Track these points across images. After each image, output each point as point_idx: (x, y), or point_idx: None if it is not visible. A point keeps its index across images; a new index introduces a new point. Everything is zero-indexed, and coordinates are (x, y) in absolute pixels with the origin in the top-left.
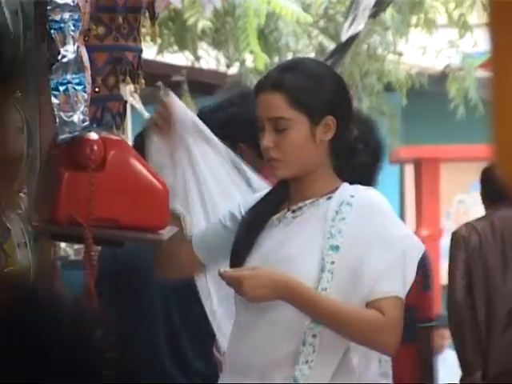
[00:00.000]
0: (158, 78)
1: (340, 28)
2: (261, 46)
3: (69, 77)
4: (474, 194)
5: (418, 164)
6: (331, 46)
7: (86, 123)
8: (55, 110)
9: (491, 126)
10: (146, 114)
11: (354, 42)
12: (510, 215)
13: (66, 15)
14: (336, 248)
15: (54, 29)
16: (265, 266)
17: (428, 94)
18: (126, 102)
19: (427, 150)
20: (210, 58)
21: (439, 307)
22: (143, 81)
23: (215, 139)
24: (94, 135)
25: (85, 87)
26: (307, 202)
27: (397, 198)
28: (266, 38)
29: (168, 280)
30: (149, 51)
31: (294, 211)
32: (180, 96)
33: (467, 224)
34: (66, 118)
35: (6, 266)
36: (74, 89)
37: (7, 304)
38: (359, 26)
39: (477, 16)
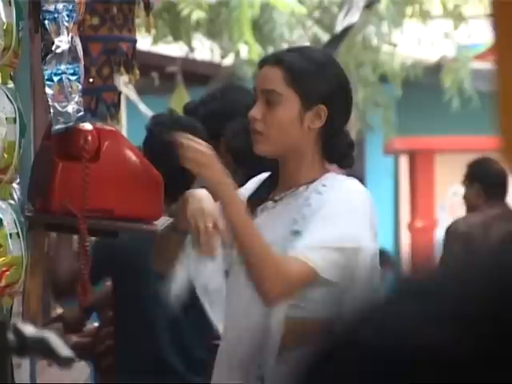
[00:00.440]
0: (152, 68)
1: (335, 19)
2: (255, 36)
3: (63, 67)
4: None
5: (412, 155)
6: (326, 36)
7: (81, 113)
8: (49, 100)
9: (495, 117)
10: (141, 105)
11: (349, 33)
12: (504, 213)
13: (60, 5)
14: (297, 233)
15: (48, 19)
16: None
17: (423, 85)
18: (120, 92)
19: (422, 141)
20: (204, 49)
21: None
22: (137, 71)
23: None
24: (88, 125)
25: (79, 77)
26: (288, 191)
27: (391, 189)
28: (261, 28)
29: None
30: (143, 42)
31: (275, 201)
32: (174, 87)
33: (461, 218)
34: (60, 109)
35: None
36: (69, 79)
37: None
38: (354, 17)
39: (472, 7)
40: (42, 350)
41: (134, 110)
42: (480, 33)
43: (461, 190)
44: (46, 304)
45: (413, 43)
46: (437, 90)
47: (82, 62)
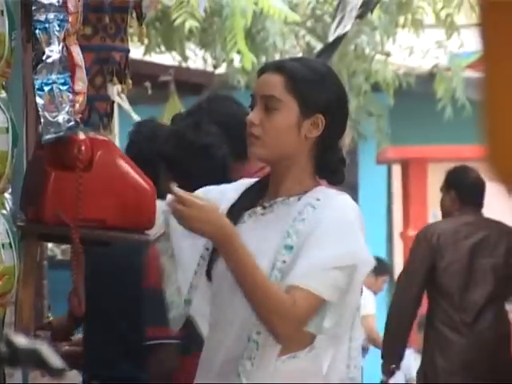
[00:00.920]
0: (145, 77)
1: (327, 28)
2: (248, 45)
3: (54, 77)
4: None
5: (405, 164)
6: (318, 46)
7: (71, 123)
8: (40, 110)
9: (483, 125)
10: (134, 115)
11: (342, 43)
12: (476, 219)
13: (51, 15)
14: (290, 248)
15: (39, 29)
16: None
17: (415, 94)
18: (113, 102)
19: (415, 150)
20: (197, 58)
21: None
22: (130, 81)
23: None
24: (81, 135)
25: (70, 87)
26: (278, 199)
27: (384, 198)
28: (254, 37)
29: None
30: (136, 51)
31: (264, 207)
32: (167, 96)
33: (431, 225)
34: (50, 119)
35: None
36: (59, 89)
37: None
38: (346, 26)
39: (464, 16)
40: (33, 360)
41: (127, 119)
42: (472, 42)
43: None
44: (38, 314)
45: (405, 52)
46: (429, 99)
47: (83, 71)
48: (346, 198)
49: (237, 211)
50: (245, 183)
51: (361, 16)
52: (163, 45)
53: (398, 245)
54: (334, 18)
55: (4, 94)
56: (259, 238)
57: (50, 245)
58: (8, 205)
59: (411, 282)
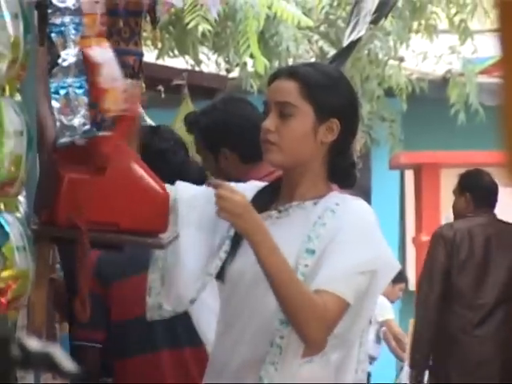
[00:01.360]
0: (158, 81)
1: (341, 33)
2: (261, 50)
3: (69, 80)
4: None
5: (418, 169)
6: (332, 51)
7: (87, 127)
8: (55, 113)
9: (500, 130)
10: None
11: (356, 48)
12: (490, 221)
13: (67, 19)
14: (312, 252)
15: (55, 32)
16: (244, 262)
17: (428, 100)
18: None
19: (427, 155)
20: (210, 62)
21: None
22: (144, 84)
23: None
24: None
25: (86, 91)
26: (293, 203)
27: (397, 204)
28: (267, 42)
29: None
30: (149, 55)
31: (279, 211)
32: (180, 100)
33: (447, 224)
34: (66, 122)
35: (5, 268)
36: (75, 92)
37: None
38: (360, 32)
39: (478, 22)
40: (46, 363)
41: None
42: (486, 47)
43: None
44: (50, 317)
45: (419, 58)
46: (442, 105)
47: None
48: (363, 202)
49: None
50: (257, 185)
51: (375, 21)
52: (176, 49)
53: (411, 250)
54: (348, 23)
55: (19, 97)
56: (278, 241)
57: None
58: (22, 208)
59: (432, 283)
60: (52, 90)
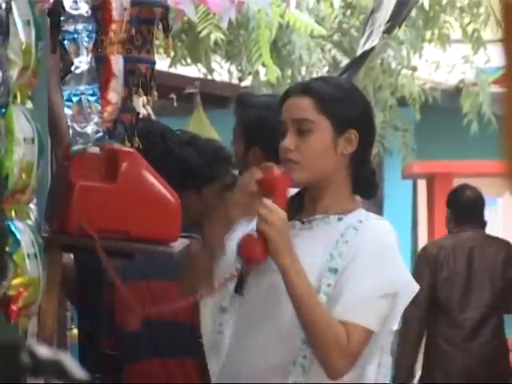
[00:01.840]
0: (170, 89)
1: (354, 42)
2: (273, 59)
3: (82, 87)
4: (487, 209)
5: (431, 179)
6: (344, 60)
7: (100, 134)
8: (68, 120)
9: (503, 141)
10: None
11: (369, 57)
12: (474, 235)
13: (80, 26)
14: (335, 271)
15: (68, 39)
16: (265, 272)
17: (441, 109)
18: (138, 113)
19: (440, 165)
20: (222, 71)
21: None
22: (156, 93)
23: None
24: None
25: (98, 98)
26: (318, 216)
27: (409, 213)
28: (279, 50)
29: None
30: (162, 63)
31: (303, 222)
32: (193, 108)
33: (431, 242)
34: (79, 129)
35: (16, 276)
36: (88, 100)
37: None
38: (374, 41)
39: (491, 31)
40: (56, 372)
41: None
42: (499, 57)
43: None
44: (60, 325)
45: (431, 67)
46: (455, 114)
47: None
48: (386, 222)
49: None
50: None
51: (388, 31)
52: (189, 57)
53: None
54: (362, 33)
55: (30, 105)
56: (300, 254)
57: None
58: (33, 215)
59: (417, 301)
60: (65, 97)
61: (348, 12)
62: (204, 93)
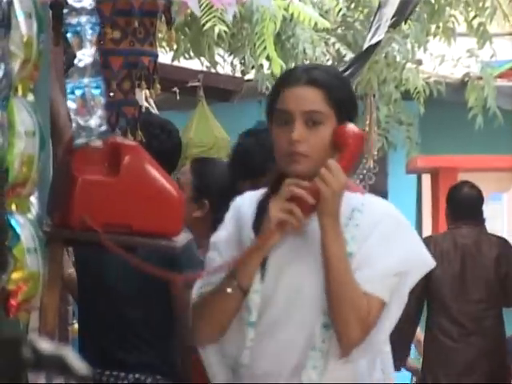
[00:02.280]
0: (173, 83)
1: (358, 36)
2: (277, 52)
3: (86, 81)
4: (491, 205)
5: (435, 173)
6: (349, 54)
7: (103, 128)
8: (71, 114)
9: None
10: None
11: (374, 51)
12: (470, 232)
13: (83, 19)
14: (350, 255)
15: (71, 32)
16: (282, 264)
17: (446, 103)
18: (141, 106)
19: (445, 159)
20: (225, 64)
21: None
22: (159, 86)
23: None
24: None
25: (102, 91)
26: None
27: (414, 208)
28: (283, 44)
29: None
30: (165, 56)
31: None
32: (196, 101)
33: (427, 237)
34: (82, 123)
35: (15, 270)
36: (91, 93)
37: None
38: (380, 35)
39: (497, 25)
40: (58, 366)
41: None
42: (505, 51)
43: (483, 208)
44: (62, 320)
45: (436, 61)
46: (460, 108)
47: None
48: (386, 201)
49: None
50: (257, 195)
51: (394, 25)
52: (192, 50)
53: None
54: (369, 28)
55: (32, 98)
56: (313, 246)
57: None
58: (34, 209)
59: (410, 297)
60: (68, 90)
61: (352, 5)
62: (207, 86)
